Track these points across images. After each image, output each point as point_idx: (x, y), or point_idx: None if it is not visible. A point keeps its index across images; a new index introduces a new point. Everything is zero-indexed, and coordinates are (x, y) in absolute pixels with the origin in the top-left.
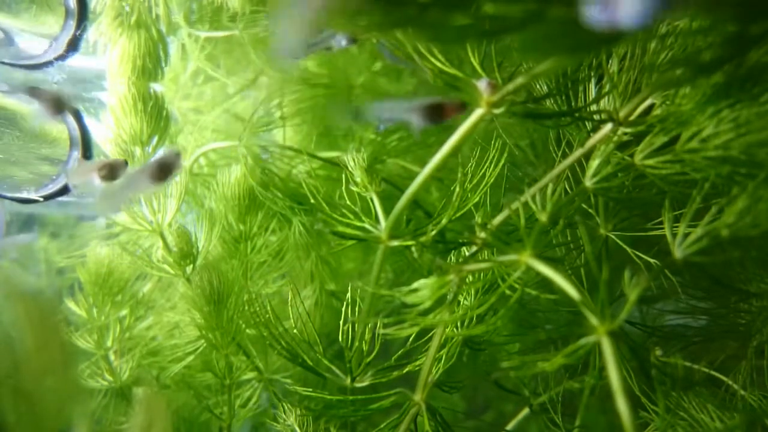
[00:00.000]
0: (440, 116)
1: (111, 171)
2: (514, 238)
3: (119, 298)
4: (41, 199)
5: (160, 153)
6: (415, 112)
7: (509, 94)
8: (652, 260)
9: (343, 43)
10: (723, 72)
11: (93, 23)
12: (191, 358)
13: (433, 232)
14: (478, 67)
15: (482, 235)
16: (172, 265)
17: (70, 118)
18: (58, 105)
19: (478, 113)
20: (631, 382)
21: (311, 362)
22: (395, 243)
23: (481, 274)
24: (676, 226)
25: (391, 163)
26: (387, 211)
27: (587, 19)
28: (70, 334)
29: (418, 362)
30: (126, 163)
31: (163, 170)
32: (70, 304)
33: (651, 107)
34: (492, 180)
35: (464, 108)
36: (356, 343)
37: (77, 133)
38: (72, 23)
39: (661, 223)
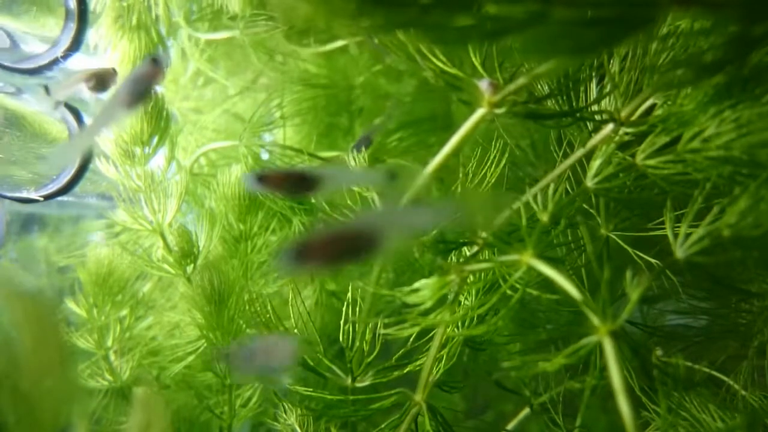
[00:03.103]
0: None
1: (100, 81)
2: (516, 238)
3: (119, 298)
4: (41, 199)
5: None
6: None
7: (510, 95)
8: (653, 260)
9: None
10: (725, 73)
11: (93, 25)
12: (192, 357)
13: (434, 232)
14: (479, 68)
15: (483, 235)
16: (173, 264)
17: (71, 118)
18: None
19: (479, 113)
20: (632, 382)
21: (312, 362)
22: None
23: (482, 274)
24: (678, 227)
25: (392, 163)
26: None
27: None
28: (69, 334)
29: (418, 362)
30: (115, 71)
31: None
32: (70, 304)
33: (653, 107)
34: (493, 180)
35: None
36: (357, 343)
37: (77, 132)
38: (72, 25)
39: (662, 223)
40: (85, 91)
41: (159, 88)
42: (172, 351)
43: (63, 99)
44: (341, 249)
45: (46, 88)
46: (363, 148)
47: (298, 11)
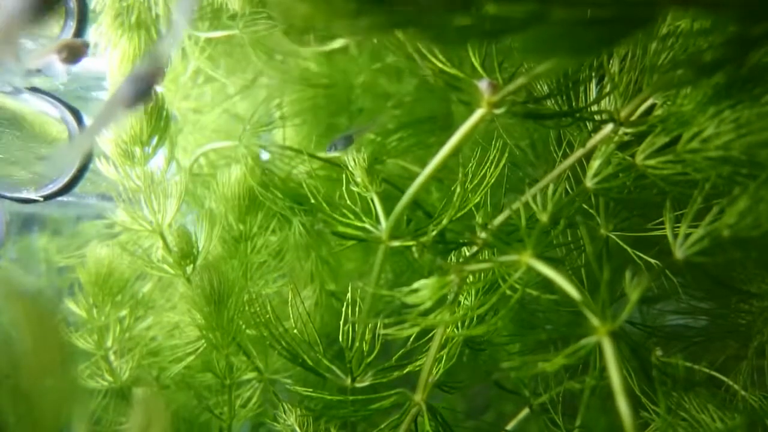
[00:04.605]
0: None
1: (72, 52)
2: (515, 239)
3: (119, 299)
4: (41, 199)
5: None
6: None
7: (510, 95)
8: (653, 260)
9: None
10: (724, 73)
11: (93, 23)
12: (191, 358)
13: (434, 233)
14: (479, 67)
15: (483, 235)
16: (172, 265)
17: (71, 118)
18: None
19: (478, 113)
20: (631, 383)
21: (311, 362)
22: (396, 243)
23: (482, 275)
24: (677, 227)
25: (391, 164)
26: (387, 212)
27: None
28: (69, 334)
29: (418, 362)
30: (86, 44)
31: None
32: (70, 304)
33: (652, 107)
34: (492, 180)
35: None
36: (356, 344)
37: (77, 133)
38: (72, 24)
39: (662, 223)
40: (57, 63)
41: (159, 88)
42: (171, 351)
43: (34, 68)
44: None
45: (18, 58)
46: (341, 147)
47: (297, 10)
